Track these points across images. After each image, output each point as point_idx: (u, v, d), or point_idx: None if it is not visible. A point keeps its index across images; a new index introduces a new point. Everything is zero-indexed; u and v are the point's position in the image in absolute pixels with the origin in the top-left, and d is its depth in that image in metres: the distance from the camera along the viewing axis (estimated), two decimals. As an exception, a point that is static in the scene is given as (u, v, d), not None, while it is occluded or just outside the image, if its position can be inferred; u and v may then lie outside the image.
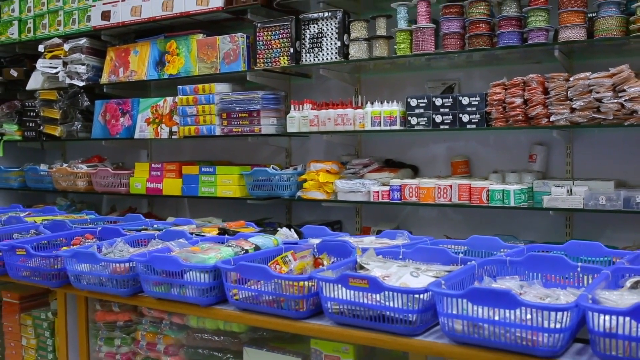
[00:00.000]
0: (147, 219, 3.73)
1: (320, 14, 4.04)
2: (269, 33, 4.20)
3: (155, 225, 3.51)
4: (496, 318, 1.72)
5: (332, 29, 3.99)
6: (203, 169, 4.52)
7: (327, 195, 4.06)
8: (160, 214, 5.40)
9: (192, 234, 2.96)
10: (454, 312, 1.79)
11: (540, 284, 2.01)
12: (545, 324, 1.65)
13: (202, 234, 2.96)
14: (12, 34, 5.70)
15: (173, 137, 4.69)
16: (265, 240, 2.61)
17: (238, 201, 4.59)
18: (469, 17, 3.60)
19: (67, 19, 5.31)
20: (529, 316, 1.67)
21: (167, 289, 2.43)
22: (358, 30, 3.91)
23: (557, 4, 3.41)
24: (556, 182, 3.56)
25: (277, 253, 2.48)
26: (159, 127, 4.75)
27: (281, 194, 4.21)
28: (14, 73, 5.69)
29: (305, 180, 4.15)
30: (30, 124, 5.64)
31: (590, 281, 2.07)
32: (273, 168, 4.25)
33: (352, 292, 1.97)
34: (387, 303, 1.91)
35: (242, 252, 2.48)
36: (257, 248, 2.55)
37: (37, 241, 3.08)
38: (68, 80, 5.18)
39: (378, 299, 1.94)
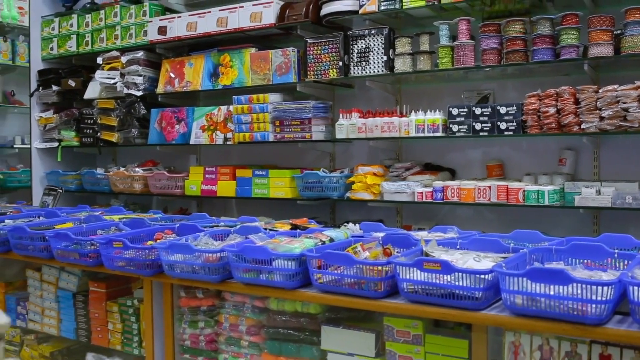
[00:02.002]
0: (214, 218, 4.14)
1: (367, 30, 4.43)
2: (319, 48, 4.60)
3: (222, 223, 3.91)
4: (551, 293, 2.10)
5: (378, 44, 4.38)
6: (256, 172, 4.92)
7: (374, 195, 4.44)
8: (209, 214, 5.77)
9: (266, 229, 3.35)
10: (515, 288, 2.17)
11: (582, 267, 2.38)
12: (593, 297, 2.03)
13: (275, 229, 3.36)
14: (71, 47, 6.13)
15: (227, 143, 5.09)
16: (337, 234, 3.01)
17: (284, 201, 4.98)
18: (506, 35, 3.98)
19: (124, 34, 5.73)
20: (579, 291, 2.05)
21: (256, 275, 2.83)
22: (403, 45, 4.30)
23: (587, 23, 3.79)
24: (585, 183, 3.92)
25: (348, 244, 2.87)
26: (214, 134, 5.16)
27: (330, 195, 4.60)
28: (71, 83, 6.11)
29: (352, 182, 4.54)
30: (88, 131, 6.06)
31: (624, 266, 2.45)
32: (323, 171, 4.65)
33: (425, 274, 2.36)
34: (456, 282, 2.30)
35: (320, 243, 2.87)
36: (331, 240, 2.94)
37: (124, 236, 3.48)
38: (126, 90, 5.59)
39: (449, 279, 2.32)
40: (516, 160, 4.52)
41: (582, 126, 3.73)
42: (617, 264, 2.48)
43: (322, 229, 3.13)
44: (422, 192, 4.24)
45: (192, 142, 5.33)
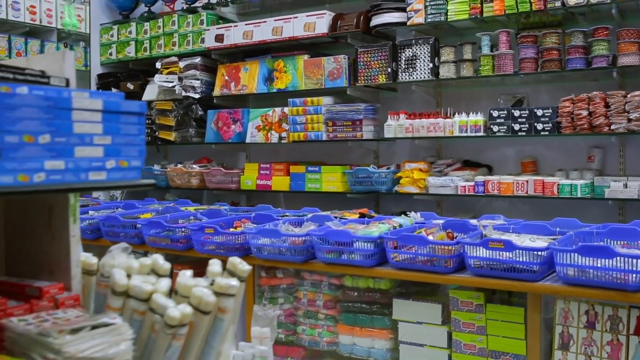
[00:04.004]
0: (278, 209, 4.64)
1: (414, 40, 4.91)
2: (369, 55, 5.08)
3: (288, 213, 4.40)
4: (598, 265, 2.59)
5: (425, 52, 4.86)
6: (309, 169, 5.41)
7: (420, 189, 4.92)
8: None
9: (336, 217, 3.84)
10: (568, 262, 2.65)
11: (620, 246, 2.87)
12: (634, 268, 2.51)
13: (344, 217, 3.85)
14: (129, 52, 6.64)
15: (282, 141, 5.59)
16: (404, 220, 3.50)
17: (330, 195, 5.42)
18: (543, 45, 4.46)
19: (181, 41, 6.23)
20: (622, 263, 2.53)
21: (338, 256, 3.31)
22: (447, 54, 4.79)
23: (616, 35, 4.26)
24: (613, 177, 4.39)
25: (414, 229, 3.36)
26: (269, 133, 5.65)
27: (379, 188, 5.09)
28: (130, 86, 6.62)
29: (399, 177, 5.02)
30: (146, 130, 6.55)
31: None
32: (372, 167, 5.13)
33: (490, 251, 2.85)
34: (517, 258, 2.79)
35: (392, 228, 3.36)
36: (400, 225, 3.43)
37: (213, 224, 3.96)
38: (184, 93, 6.09)
39: (510, 255, 2.81)
40: (548, 157, 4.98)
41: (612, 127, 4.19)
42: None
43: (390, 217, 3.62)
44: (464, 186, 4.71)
45: (248, 140, 5.82)
